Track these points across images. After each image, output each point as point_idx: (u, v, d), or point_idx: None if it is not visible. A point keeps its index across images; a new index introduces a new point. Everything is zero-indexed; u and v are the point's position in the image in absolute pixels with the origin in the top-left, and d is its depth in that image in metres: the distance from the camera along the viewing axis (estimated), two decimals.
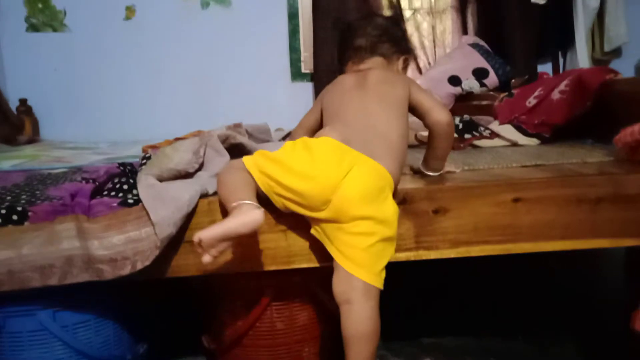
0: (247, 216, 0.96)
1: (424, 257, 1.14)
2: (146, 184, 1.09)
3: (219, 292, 1.27)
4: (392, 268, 1.17)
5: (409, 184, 1.17)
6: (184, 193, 1.07)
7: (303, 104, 2.91)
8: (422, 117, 1.24)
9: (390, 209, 1.06)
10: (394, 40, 1.33)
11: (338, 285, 1.05)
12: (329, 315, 1.29)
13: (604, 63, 2.98)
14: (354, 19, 1.42)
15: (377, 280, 1.04)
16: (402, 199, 1.12)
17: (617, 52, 3.01)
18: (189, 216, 1.08)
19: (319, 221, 1.06)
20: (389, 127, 1.16)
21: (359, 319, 1.03)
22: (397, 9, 1.37)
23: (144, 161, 1.28)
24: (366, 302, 1.03)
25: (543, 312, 1.61)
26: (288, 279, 1.21)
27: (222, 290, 1.26)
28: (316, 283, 1.24)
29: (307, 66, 2.96)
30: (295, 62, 2.97)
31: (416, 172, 1.31)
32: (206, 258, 0.96)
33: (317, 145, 1.06)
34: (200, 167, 1.25)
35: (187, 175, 1.20)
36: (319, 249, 1.12)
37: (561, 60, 3.02)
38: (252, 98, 2.90)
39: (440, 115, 1.20)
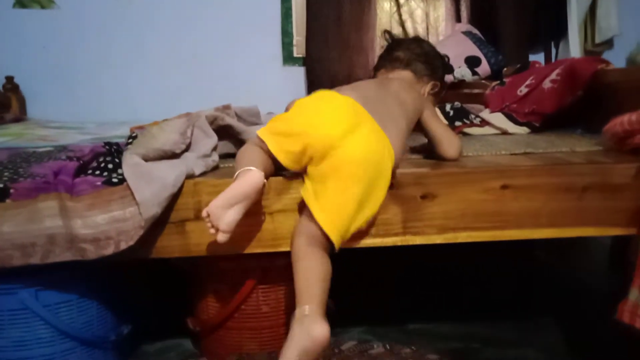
0: (245, 178, 0.99)
1: (410, 243, 1.14)
2: (131, 163, 1.07)
3: (204, 274, 1.27)
4: (379, 252, 1.17)
5: (397, 169, 1.17)
6: (170, 173, 1.06)
7: (294, 88, 2.89)
8: (431, 145, 1.30)
9: (383, 183, 1.06)
10: (431, 66, 1.41)
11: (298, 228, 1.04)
12: None
13: (595, 54, 2.98)
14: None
15: (335, 235, 1.01)
16: (390, 184, 1.11)
17: (609, 44, 3.01)
18: (174, 197, 1.07)
19: (313, 177, 1.06)
20: (400, 119, 1.19)
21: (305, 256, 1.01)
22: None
23: (130, 141, 1.26)
24: (316, 248, 1.01)
25: (529, 299, 1.62)
26: (274, 262, 1.20)
27: (207, 271, 1.26)
28: None
29: (299, 50, 2.94)
30: (287, 45, 2.94)
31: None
32: (220, 237, 0.97)
33: (331, 96, 1.13)
34: (187, 148, 1.23)
35: (173, 155, 1.18)
36: None
37: (553, 51, 3.02)
38: (243, 81, 2.87)
39: (449, 151, 1.26)
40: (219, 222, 0.97)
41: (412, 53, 1.39)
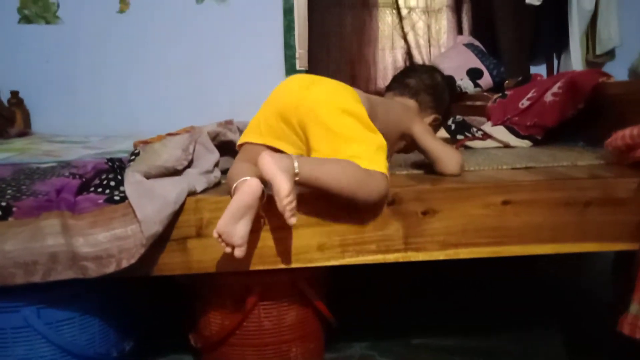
0: (243, 188, 1.01)
1: (412, 259, 1.13)
2: (133, 181, 1.08)
3: (206, 290, 1.27)
4: (381, 267, 1.17)
5: (398, 184, 1.17)
6: (172, 191, 1.06)
7: None
8: (431, 164, 1.29)
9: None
10: (438, 100, 1.43)
11: None
12: (317, 314, 1.29)
13: (597, 66, 2.98)
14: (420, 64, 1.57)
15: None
16: (391, 200, 1.11)
17: (610, 55, 3.02)
18: (176, 214, 1.07)
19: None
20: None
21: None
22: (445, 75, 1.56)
23: (133, 157, 1.27)
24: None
25: (530, 312, 1.61)
26: (276, 278, 1.20)
27: (209, 288, 1.25)
28: (304, 282, 1.23)
29: (302, 63, 2.95)
30: (289, 58, 2.96)
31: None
32: (237, 252, 1.00)
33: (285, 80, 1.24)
34: (190, 164, 1.24)
35: (175, 172, 1.18)
36: (306, 249, 1.11)
37: (555, 62, 3.02)
38: (246, 94, 2.86)
39: (448, 168, 1.25)
40: (232, 238, 0.99)
41: (423, 83, 1.42)
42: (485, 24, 2.93)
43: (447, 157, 1.26)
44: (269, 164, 0.96)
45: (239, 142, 1.19)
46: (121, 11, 2.88)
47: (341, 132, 1.08)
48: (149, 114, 2.83)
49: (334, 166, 1.04)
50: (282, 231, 1.11)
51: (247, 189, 1.00)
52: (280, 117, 1.14)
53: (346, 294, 1.48)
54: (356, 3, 2.88)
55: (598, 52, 2.94)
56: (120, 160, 1.35)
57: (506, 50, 2.81)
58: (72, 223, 1.03)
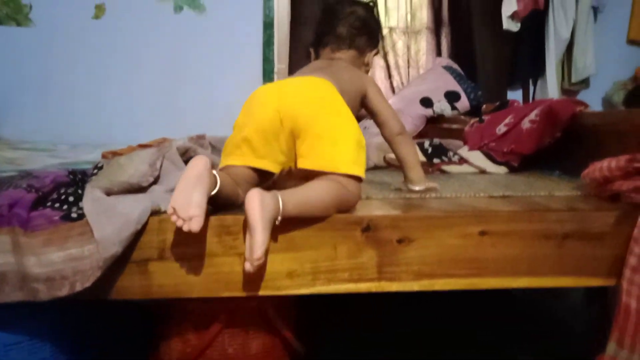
0: (190, 164, 0.99)
1: (386, 289, 1.09)
2: (92, 198, 1.01)
3: (168, 315, 1.20)
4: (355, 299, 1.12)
5: (374, 210, 1.13)
6: (134, 209, 1.00)
7: None
8: (378, 127, 1.34)
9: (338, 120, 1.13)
10: (371, 34, 1.42)
11: None
12: (284, 343, 1.23)
13: (572, 93, 3.03)
14: (335, 1, 1.47)
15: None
16: (366, 226, 1.07)
17: (585, 83, 3.07)
18: (138, 234, 1.00)
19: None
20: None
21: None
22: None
23: (95, 171, 1.20)
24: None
25: (507, 335, 1.58)
26: (242, 305, 1.15)
27: (171, 313, 1.19)
28: (272, 309, 1.18)
29: (280, 78, 2.92)
30: (268, 73, 2.92)
31: (398, 190, 1.35)
32: (194, 223, 0.92)
33: (253, 95, 1.22)
34: (156, 181, 1.18)
35: (140, 189, 1.12)
36: (275, 276, 1.06)
37: (531, 88, 3.06)
38: (222, 107, 2.81)
39: (396, 128, 1.30)
40: (189, 207, 0.92)
41: (353, 28, 1.38)
42: (463, 47, 2.95)
43: (395, 119, 1.31)
44: (255, 210, 0.93)
45: (220, 166, 1.15)
46: (96, 17, 2.81)
47: (324, 133, 1.10)
48: (122, 123, 2.77)
49: (316, 196, 1.04)
50: None
51: (195, 161, 0.98)
52: (262, 135, 1.12)
53: (316, 312, 1.44)
54: None
55: (574, 80, 3.00)
56: (83, 172, 1.27)
57: (484, 74, 2.83)
58: (23, 241, 0.96)
